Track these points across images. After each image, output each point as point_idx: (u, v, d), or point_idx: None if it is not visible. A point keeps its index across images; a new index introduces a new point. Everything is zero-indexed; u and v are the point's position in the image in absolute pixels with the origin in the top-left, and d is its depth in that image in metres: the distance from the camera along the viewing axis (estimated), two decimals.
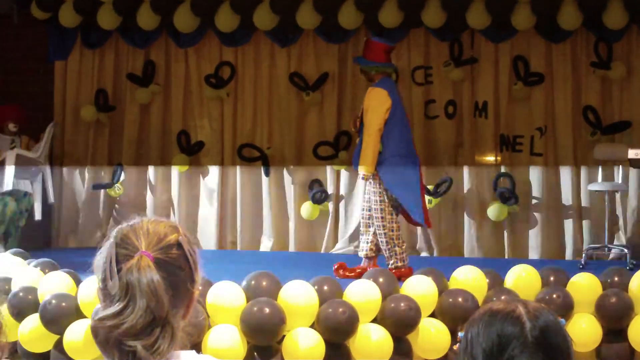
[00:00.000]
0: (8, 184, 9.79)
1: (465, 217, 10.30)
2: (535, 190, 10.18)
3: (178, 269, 2.09)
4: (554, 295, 7.08)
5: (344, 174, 10.51)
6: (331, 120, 10.53)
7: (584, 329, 7.09)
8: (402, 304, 6.87)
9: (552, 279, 7.44)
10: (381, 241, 8.16)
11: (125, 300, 2.00)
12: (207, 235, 10.59)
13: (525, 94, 10.16)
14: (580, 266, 8.83)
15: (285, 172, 10.66)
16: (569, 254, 9.97)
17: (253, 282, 6.96)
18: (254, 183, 10.71)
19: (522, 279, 7.38)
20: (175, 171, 10.83)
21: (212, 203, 10.81)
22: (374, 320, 6.94)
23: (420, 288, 7.09)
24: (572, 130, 10.09)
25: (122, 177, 10.82)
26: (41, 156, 10.17)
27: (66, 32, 10.83)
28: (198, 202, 10.88)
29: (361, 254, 8.42)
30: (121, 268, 2.04)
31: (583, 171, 10.09)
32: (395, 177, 8.11)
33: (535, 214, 10.18)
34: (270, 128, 10.71)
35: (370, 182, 8.17)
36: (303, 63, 10.63)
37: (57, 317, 6.90)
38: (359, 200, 10.30)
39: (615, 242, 9.69)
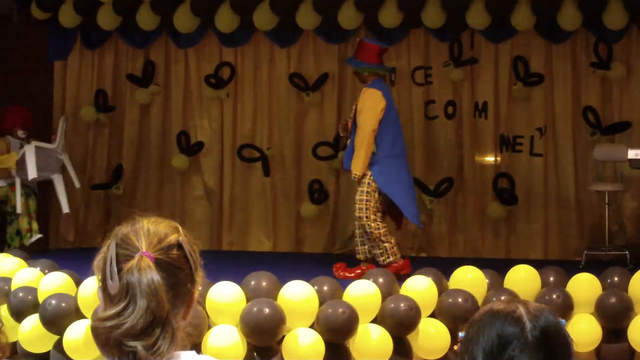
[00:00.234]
0: (32, 173, 9.74)
1: (465, 218, 10.30)
2: (535, 191, 10.18)
3: (178, 269, 2.09)
4: (554, 296, 7.09)
5: (344, 174, 10.50)
6: (331, 120, 10.52)
7: (583, 329, 7.10)
8: (402, 304, 6.87)
9: (551, 279, 7.45)
10: (368, 239, 8.19)
11: (125, 301, 2.00)
12: (207, 236, 10.59)
13: (525, 94, 10.16)
14: (580, 266, 8.82)
15: (284, 172, 10.66)
16: (568, 254, 9.97)
17: (253, 283, 6.97)
18: (253, 183, 10.71)
19: (522, 280, 7.39)
20: (175, 171, 10.82)
21: (211, 203, 10.81)
22: (374, 321, 6.95)
23: (420, 288, 7.10)
24: (572, 131, 10.09)
25: (122, 178, 10.82)
26: (59, 146, 10.16)
27: (66, 33, 10.82)
28: (198, 202, 10.88)
29: (359, 256, 8.43)
30: (121, 268, 2.03)
31: (583, 171, 10.09)
32: (389, 177, 8.14)
33: (534, 214, 10.18)
34: (270, 128, 10.70)
35: (361, 183, 8.18)
36: (303, 63, 10.63)
37: (57, 318, 6.91)
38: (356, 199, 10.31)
39: (615, 243, 9.69)
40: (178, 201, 10.87)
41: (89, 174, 10.87)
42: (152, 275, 2.01)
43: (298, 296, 6.79)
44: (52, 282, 7.18)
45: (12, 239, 9.88)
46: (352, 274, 8.19)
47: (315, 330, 6.79)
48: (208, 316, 6.79)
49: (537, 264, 7.75)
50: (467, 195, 10.31)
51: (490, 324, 2.00)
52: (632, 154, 8.58)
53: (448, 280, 7.44)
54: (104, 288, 2.06)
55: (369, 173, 8.14)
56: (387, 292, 7.03)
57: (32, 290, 7.22)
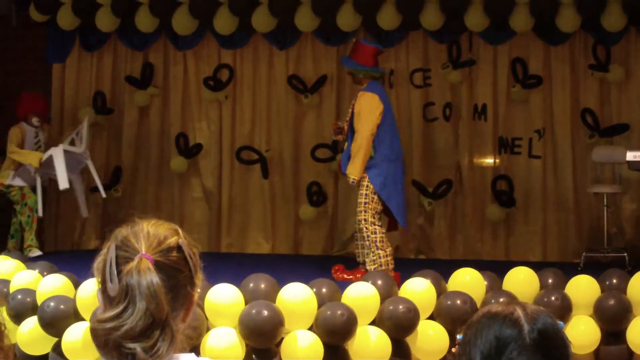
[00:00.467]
0: (63, 183, 9.65)
1: (464, 220, 10.31)
2: (534, 193, 10.18)
3: (178, 271, 2.09)
4: (553, 298, 7.09)
5: (342, 176, 10.49)
6: (329, 122, 10.48)
7: (582, 331, 7.10)
8: (400, 306, 6.87)
9: (550, 281, 7.45)
10: (362, 244, 8.19)
11: (124, 303, 2.00)
12: (205, 238, 10.59)
13: (524, 96, 10.16)
14: (579, 268, 8.82)
15: (283, 174, 10.66)
16: (567, 256, 9.97)
17: (251, 285, 6.97)
18: (252, 185, 10.71)
19: (521, 281, 7.39)
20: (173, 173, 10.82)
21: (210, 205, 10.81)
22: (373, 323, 6.95)
23: (418, 290, 7.10)
24: (570, 133, 10.10)
25: (121, 180, 10.82)
26: (85, 149, 10.13)
27: (64, 35, 10.82)
28: (196, 204, 10.87)
29: (359, 259, 8.43)
30: (121, 270, 2.04)
31: (581, 173, 10.10)
32: (386, 181, 8.14)
33: (533, 216, 10.18)
34: (269, 130, 10.70)
35: (360, 186, 8.19)
36: (301, 65, 10.63)
37: (56, 320, 6.90)
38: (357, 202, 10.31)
39: (614, 245, 9.69)
40: (177, 203, 10.87)
41: (88, 176, 10.85)
42: (152, 277, 2.01)
43: (297, 298, 6.79)
44: (50, 284, 7.18)
45: (14, 234, 9.87)
46: (351, 276, 8.19)
47: (314, 332, 6.79)
48: (207, 318, 6.79)
49: (535, 266, 7.75)
50: (466, 197, 10.31)
51: (488, 327, 2.00)
52: (630, 156, 8.58)
53: (447, 282, 7.44)
54: (104, 290, 2.06)
55: (367, 176, 8.14)
56: (386, 294, 7.03)
57: (31, 293, 7.21)
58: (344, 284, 7.24)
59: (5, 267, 7.75)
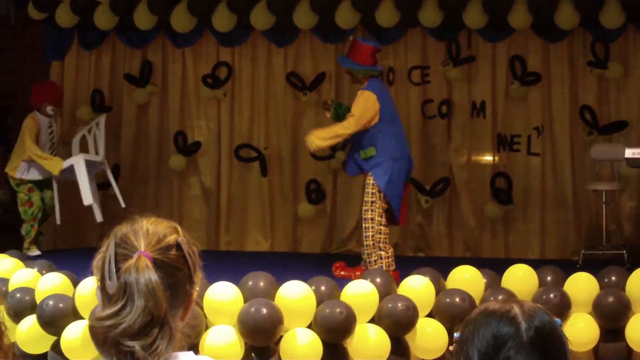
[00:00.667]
0: (88, 199, 9.49)
1: (463, 217, 10.31)
2: (532, 190, 10.18)
3: (177, 269, 2.09)
4: (552, 295, 7.09)
5: (341, 174, 10.50)
6: (328, 120, 10.47)
7: (581, 329, 7.10)
8: (399, 304, 6.87)
9: (549, 278, 7.45)
10: (367, 244, 8.17)
11: (123, 300, 2.00)
12: (204, 236, 10.59)
13: (522, 93, 10.16)
14: (578, 266, 8.83)
15: (282, 172, 10.66)
16: (566, 254, 9.97)
17: (250, 283, 6.97)
18: (251, 183, 10.71)
19: (520, 279, 7.40)
20: (172, 171, 10.82)
21: (209, 203, 10.81)
22: (372, 321, 6.95)
23: (417, 288, 7.10)
24: (569, 130, 10.10)
25: (119, 178, 10.81)
26: (103, 157, 10.06)
27: (63, 33, 10.82)
28: (195, 202, 10.87)
29: (365, 256, 8.41)
30: (120, 268, 2.03)
31: (580, 171, 10.10)
32: (390, 180, 8.10)
33: (532, 213, 10.18)
34: (267, 128, 10.70)
35: (365, 185, 8.19)
36: (300, 63, 10.63)
37: (55, 318, 6.90)
38: (356, 200, 10.31)
39: (613, 242, 9.69)
40: (175, 201, 10.87)
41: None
42: (150, 275, 2.01)
43: (295, 296, 6.79)
44: (49, 283, 7.18)
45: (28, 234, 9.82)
46: (351, 274, 8.18)
47: (312, 330, 6.79)
48: (206, 316, 6.79)
49: (534, 264, 7.75)
50: (464, 195, 10.31)
51: (485, 324, 2.00)
52: (629, 153, 8.59)
53: (446, 279, 7.44)
54: (103, 288, 2.06)
55: (372, 175, 8.12)
56: (385, 292, 7.03)
57: (30, 291, 7.21)
58: (343, 282, 7.24)
59: (4, 265, 7.75)
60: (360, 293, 6.92)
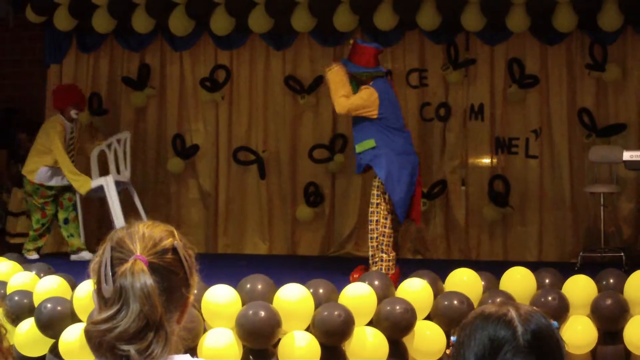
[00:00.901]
0: (120, 221, 9.16)
1: (461, 220, 10.30)
2: (531, 193, 10.18)
3: (173, 273, 2.09)
4: (550, 298, 7.09)
5: (340, 176, 10.50)
6: (326, 123, 10.52)
7: (579, 331, 7.10)
8: (397, 307, 6.87)
9: (547, 281, 7.45)
10: (371, 246, 8.15)
11: (118, 304, 2.00)
12: (202, 239, 10.58)
13: (520, 96, 10.16)
14: (576, 268, 8.82)
15: (280, 175, 10.65)
16: (564, 256, 9.97)
17: (248, 286, 6.97)
18: (249, 186, 10.70)
19: (518, 282, 7.39)
20: (170, 174, 10.81)
21: (207, 206, 10.80)
22: (370, 323, 6.95)
23: (415, 290, 7.10)
24: (567, 133, 10.10)
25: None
26: (129, 177, 9.97)
27: (61, 36, 10.81)
28: (193, 205, 10.86)
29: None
30: (115, 272, 2.03)
31: (578, 173, 10.10)
32: (390, 174, 8.05)
33: (530, 216, 10.18)
34: (266, 131, 10.69)
35: (371, 186, 8.19)
36: (298, 66, 10.63)
37: (53, 321, 6.90)
38: (354, 203, 10.31)
39: (611, 245, 9.69)
40: (173, 204, 10.86)
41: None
42: (145, 278, 2.01)
43: (294, 299, 6.78)
44: (47, 286, 7.17)
45: (73, 232, 9.68)
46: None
47: (311, 333, 6.79)
48: (204, 319, 6.79)
49: (532, 266, 7.75)
50: (462, 197, 10.31)
51: (481, 328, 2.00)
52: (627, 155, 8.59)
53: (444, 282, 7.44)
54: (99, 291, 2.06)
55: (374, 170, 8.10)
56: (383, 295, 7.03)
57: (28, 294, 7.21)
58: (340, 285, 7.23)
59: (2, 268, 7.74)
60: (358, 296, 6.91)
